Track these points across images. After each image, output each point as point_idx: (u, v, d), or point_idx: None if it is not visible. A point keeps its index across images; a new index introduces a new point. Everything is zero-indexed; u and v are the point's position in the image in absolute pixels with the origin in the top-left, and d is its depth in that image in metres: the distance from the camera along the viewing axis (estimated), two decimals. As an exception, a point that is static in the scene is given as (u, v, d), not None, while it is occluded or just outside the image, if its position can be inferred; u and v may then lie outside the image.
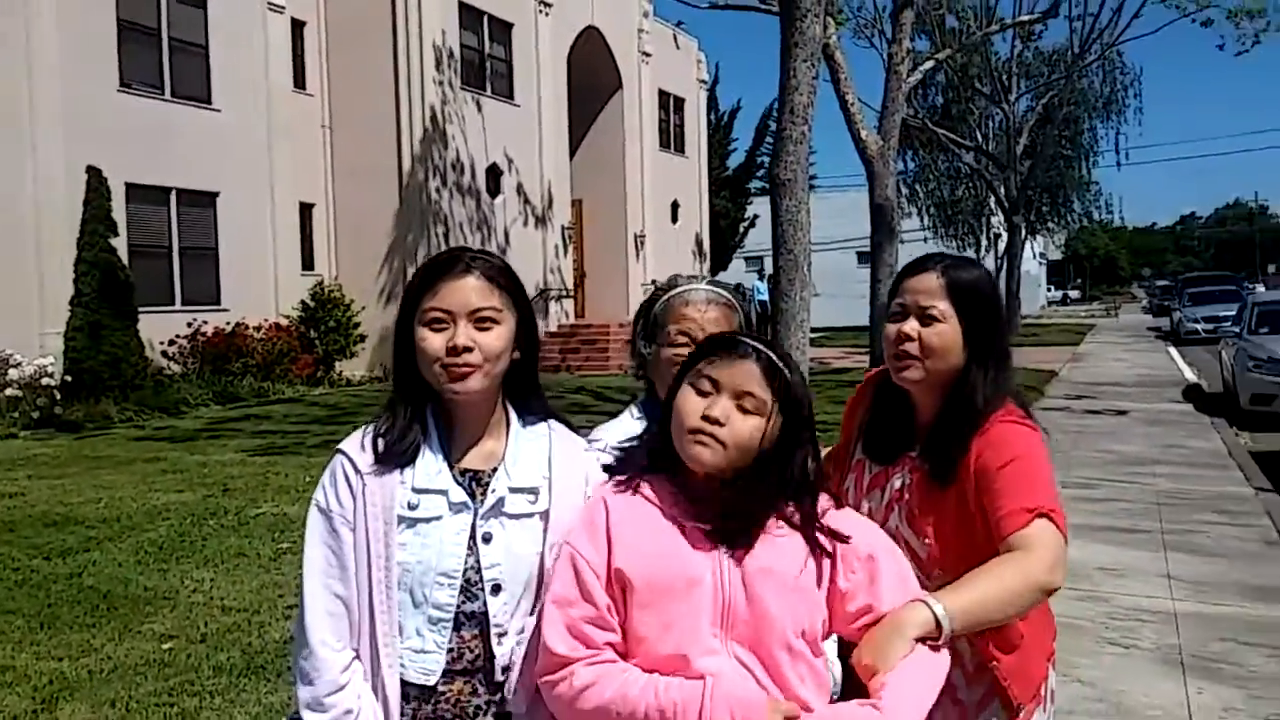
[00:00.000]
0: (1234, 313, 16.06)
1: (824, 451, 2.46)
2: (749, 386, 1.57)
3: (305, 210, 18.20)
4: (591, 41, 22.79)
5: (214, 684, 4.19)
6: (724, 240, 30.96)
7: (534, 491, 1.72)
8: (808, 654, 1.55)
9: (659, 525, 1.58)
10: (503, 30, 20.44)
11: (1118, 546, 6.32)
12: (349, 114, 18.33)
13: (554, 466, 1.74)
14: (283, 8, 17.44)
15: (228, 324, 15.97)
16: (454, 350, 1.62)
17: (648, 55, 24.87)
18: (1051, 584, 1.73)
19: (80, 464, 9.58)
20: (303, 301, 17.63)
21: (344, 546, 1.65)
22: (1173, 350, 23.38)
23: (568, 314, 22.01)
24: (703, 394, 1.58)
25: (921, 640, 1.57)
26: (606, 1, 23.27)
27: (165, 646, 4.65)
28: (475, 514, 1.68)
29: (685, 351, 1.84)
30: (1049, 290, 72.71)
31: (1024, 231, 32.48)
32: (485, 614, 1.67)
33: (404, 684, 1.65)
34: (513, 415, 1.76)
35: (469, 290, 1.65)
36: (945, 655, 1.60)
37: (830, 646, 1.75)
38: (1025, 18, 23.33)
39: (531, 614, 1.71)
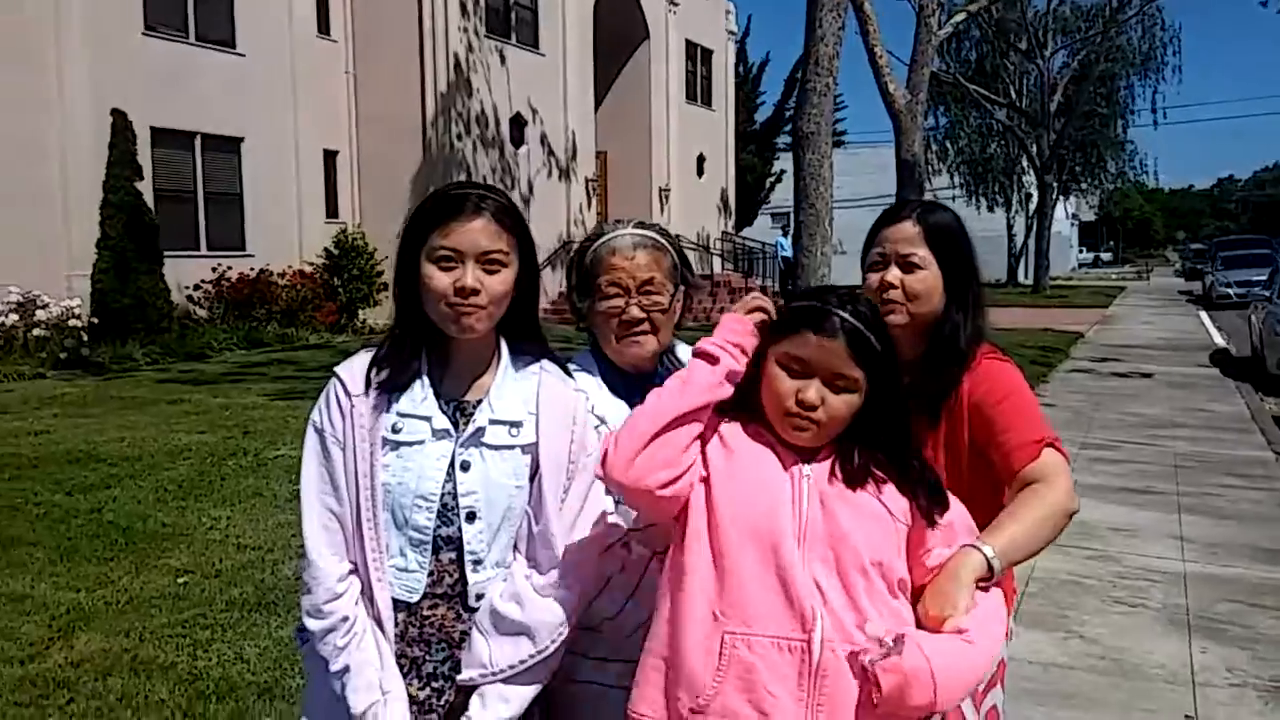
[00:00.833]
0: (1266, 276, 15.77)
1: None
2: (841, 368, 1.58)
3: (329, 157, 18.20)
4: (619, -10, 22.49)
5: (226, 617, 4.28)
6: (750, 195, 30.70)
7: (516, 425, 1.74)
8: (883, 588, 1.57)
9: (744, 430, 1.63)
10: (529, -23, 20.20)
11: (1132, 507, 6.29)
12: (373, 61, 18.22)
13: (540, 403, 1.76)
14: (308, -49, 17.31)
15: (252, 270, 16.07)
16: (462, 291, 1.65)
17: (675, 5, 24.50)
18: (1073, 508, 1.83)
19: (105, 404, 9.73)
20: (326, 249, 17.69)
21: (335, 465, 1.71)
22: (1203, 314, 23.07)
23: (591, 266, 21.97)
24: (795, 375, 1.59)
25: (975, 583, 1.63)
26: (635, -51, 22.91)
27: (180, 580, 4.74)
28: (456, 441, 1.71)
29: (619, 303, 1.86)
30: (1081, 252, 71.71)
31: (1056, 191, 31.99)
32: (460, 540, 1.71)
33: (392, 600, 1.70)
34: (505, 352, 1.79)
35: (478, 232, 1.67)
36: (999, 593, 1.67)
37: None
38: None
39: (509, 548, 1.74)
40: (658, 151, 24.24)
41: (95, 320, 12.89)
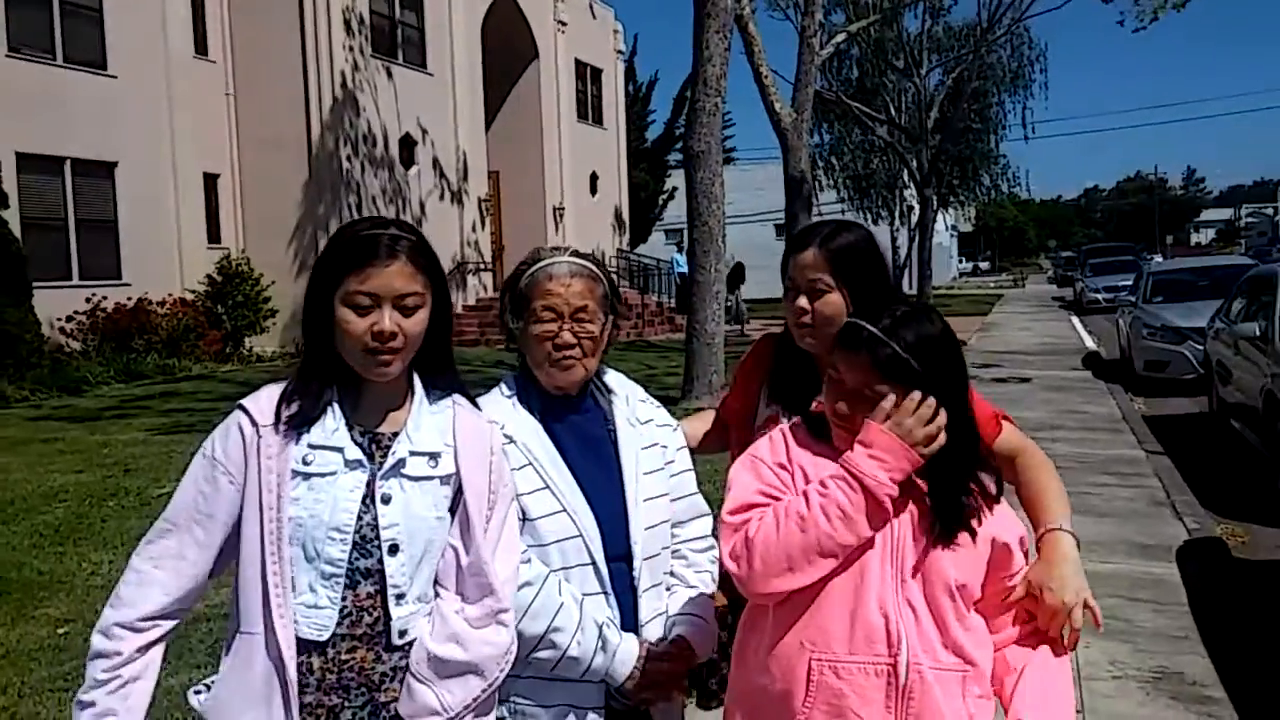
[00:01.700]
0: (1131, 282, 16.67)
1: (705, 410, 2.57)
2: (873, 384, 1.62)
3: (210, 181, 17.62)
4: (506, 9, 22.43)
5: (112, 668, 4.08)
6: (644, 212, 30.97)
7: (435, 456, 1.75)
8: (963, 608, 1.63)
9: (834, 461, 1.65)
10: (414, -4, 20.00)
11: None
12: (254, 81, 17.74)
13: (457, 435, 1.77)
14: (182, -31, 16.78)
15: (130, 299, 15.42)
16: (380, 336, 1.65)
17: (563, 24, 24.61)
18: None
19: (-29, 446, 9.19)
20: (209, 276, 17.10)
21: (220, 498, 1.67)
22: (1075, 319, 24.22)
23: (486, 287, 21.78)
24: (839, 394, 1.65)
25: None
26: (521, -31, 22.93)
27: (60, 631, 4.51)
28: (372, 474, 1.70)
29: (552, 327, 1.90)
30: (960, 262, 74.51)
31: (935, 204, 33.13)
32: (382, 572, 1.69)
33: (299, 641, 1.65)
34: (418, 385, 1.79)
35: (394, 275, 1.67)
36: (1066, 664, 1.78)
37: None
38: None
39: (431, 581, 1.74)
40: (550, 170, 24.25)
41: (-42, 357, 12.17)
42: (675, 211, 30.51)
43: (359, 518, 1.67)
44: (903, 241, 40.42)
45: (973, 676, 1.63)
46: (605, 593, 1.89)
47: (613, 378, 2.07)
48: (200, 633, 4.36)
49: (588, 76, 26.50)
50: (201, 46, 17.45)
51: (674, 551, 2.03)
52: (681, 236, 35.33)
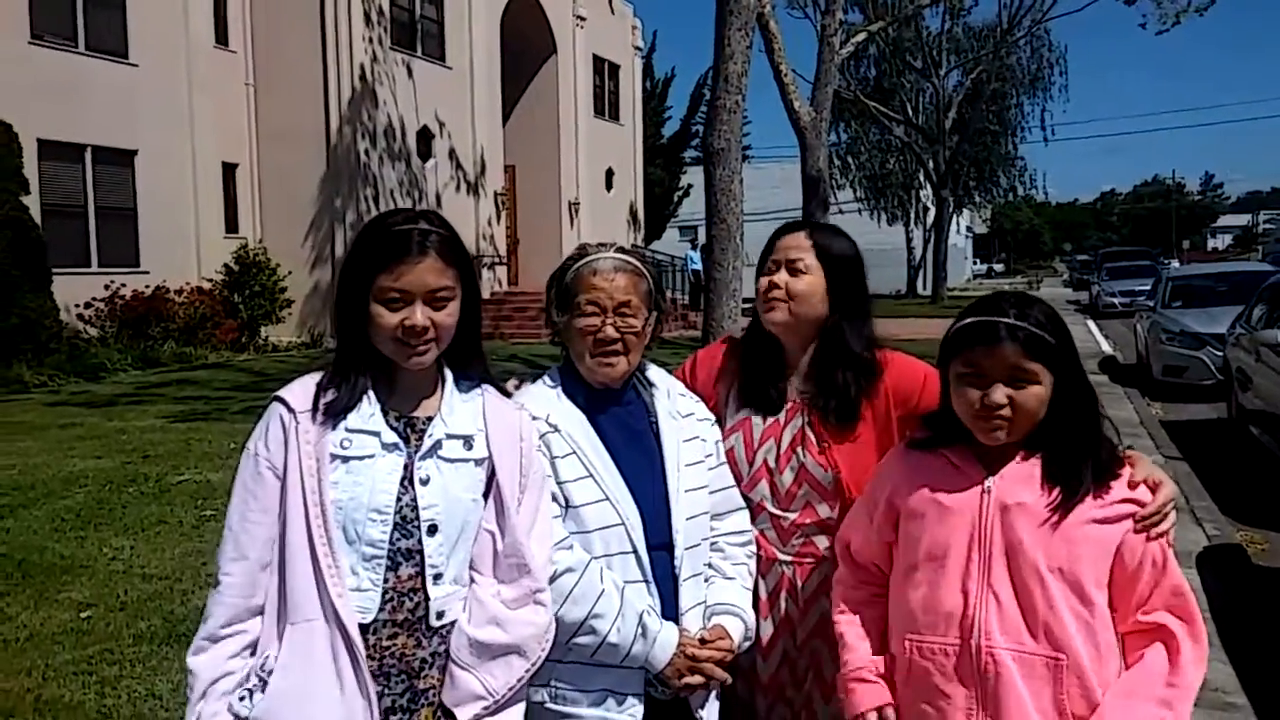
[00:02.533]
0: (1149, 287, 16.59)
1: None
2: (1018, 363, 1.67)
3: (228, 171, 17.68)
4: (525, 4, 22.42)
5: (134, 652, 4.12)
6: (659, 209, 30.94)
7: (469, 440, 1.78)
8: (1065, 592, 1.65)
9: (931, 461, 1.79)
10: (434, -11, 20.02)
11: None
12: (274, 72, 17.79)
13: (488, 419, 1.81)
14: (204, -41, 16.83)
15: (147, 287, 15.49)
16: (412, 331, 1.69)
17: (582, 19, 24.59)
18: None
19: (-9, 430, 9.25)
20: (226, 265, 17.16)
21: (266, 490, 1.69)
22: (1091, 323, 24.10)
23: (501, 281, 21.82)
24: (974, 384, 1.69)
25: None
26: (541, -37, 22.92)
27: (83, 615, 4.54)
28: (410, 456, 1.72)
29: (595, 321, 1.93)
30: (975, 263, 74.26)
31: (951, 205, 33.08)
32: (421, 552, 1.71)
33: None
34: (448, 374, 1.82)
35: (425, 271, 1.70)
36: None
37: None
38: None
39: (466, 564, 1.76)
40: (566, 165, 24.25)
41: (-23, 341, 12.24)
42: (690, 208, 30.49)
43: (398, 499, 1.70)
44: (918, 242, 40.33)
45: (1069, 666, 1.64)
46: (646, 580, 1.91)
47: (654, 372, 2.10)
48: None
49: (605, 72, 26.48)
50: (222, 36, 17.50)
51: (711, 544, 2.05)
52: (696, 233, 35.35)
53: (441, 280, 1.71)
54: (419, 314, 1.69)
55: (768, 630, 2.13)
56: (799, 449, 2.10)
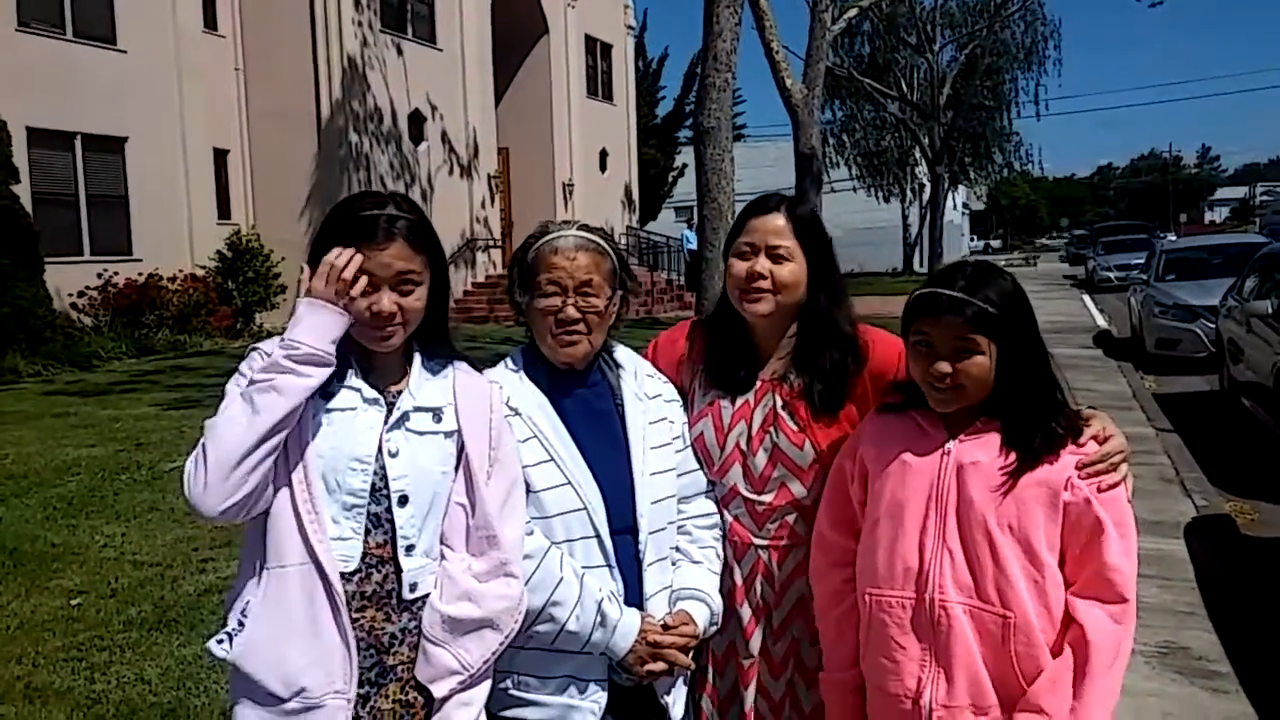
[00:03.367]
0: (1143, 261, 16.56)
1: None
2: (960, 334, 1.72)
3: (220, 156, 17.61)
4: (516, -16, 22.30)
5: (124, 638, 4.14)
6: (654, 189, 30.85)
7: (438, 412, 1.78)
8: (1019, 553, 1.70)
9: (899, 424, 1.85)
10: (423, -29, 19.88)
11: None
12: (263, 56, 17.68)
13: (458, 393, 1.81)
14: (190, -56, 16.69)
15: (140, 275, 15.44)
16: (379, 316, 1.70)
17: None
18: None
19: (-15, 420, 9.26)
20: (219, 251, 17.12)
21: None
22: (1086, 298, 24.09)
23: (495, 264, 21.76)
24: (925, 355, 1.75)
25: None
26: (531, -57, 22.75)
27: (74, 602, 4.56)
28: (383, 419, 1.73)
29: (556, 301, 1.90)
30: (972, 240, 74.05)
31: (947, 182, 32.98)
32: (392, 522, 1.71)
33: None
34: (417, 354, 1.83)
35: (393, 257, 1.70)
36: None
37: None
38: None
39: (437, 536, 1.76)
40: (560, 147, 24.15)
41: (-30, 331, 12.22)
42: (685, 188, 30.37)
43: (374, 455, 1.71)
44: (913, 219, 40.26)
45: (1018, 625, 1.68)
46: (609, 565, 1.89)
47: (622, 352, 2.07)
48: (212, 603, 4.41)
49: (598, 52, 26.33)
50: (211, 21, 17.39)
51: (679, 527, 2.03)
52: (691, 213, 35.26)
53: (410, 265, 1.72)
54: (385, 300, 1.69)
55: (746, 615, 2.09)
56: (771, 429, 2.06)
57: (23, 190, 13.26)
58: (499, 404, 1.85)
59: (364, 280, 1.68)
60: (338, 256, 1.67)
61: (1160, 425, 8.48)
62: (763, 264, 2.04)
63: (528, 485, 1.85)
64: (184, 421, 8.84)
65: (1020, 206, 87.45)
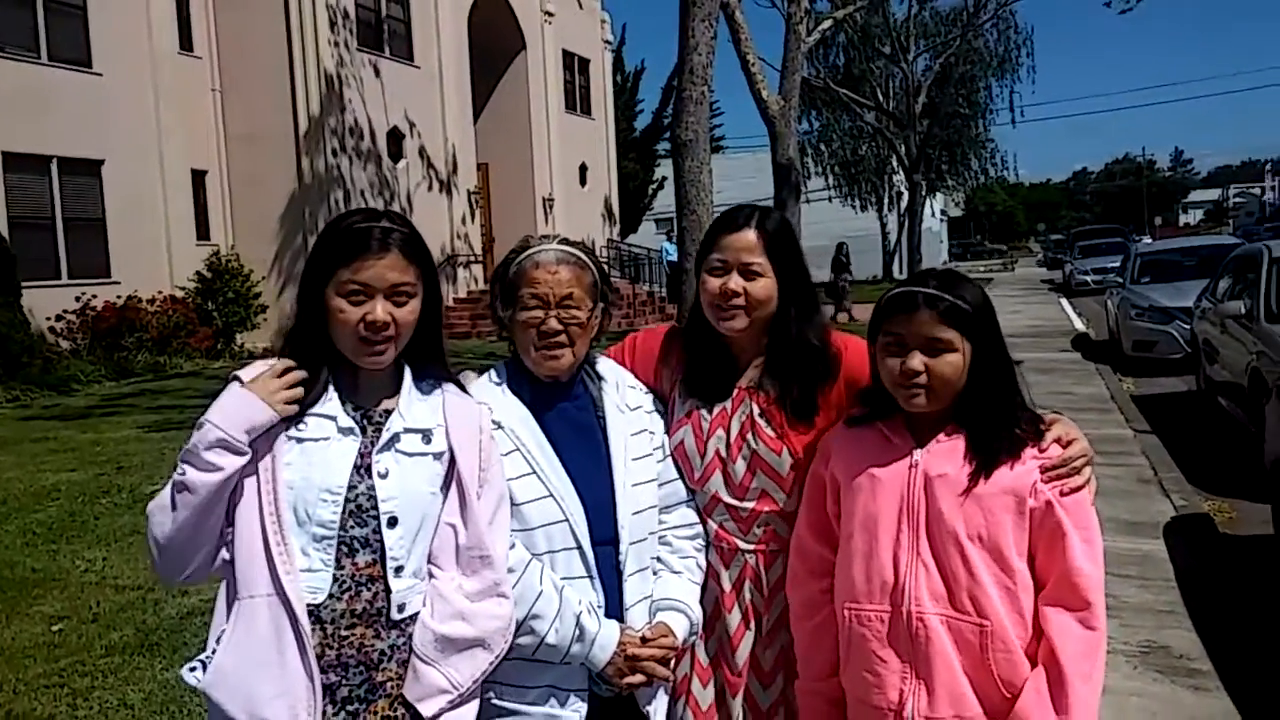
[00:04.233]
0: (1119, 264, 16.71)
1: None
2: (933, 332, 1.72)
3: (198, 178, 17.55)
4: (492, 0, 22.34)
5: (106, 663, 4.11)
6: (634, 202, 30.93)
7: (428, 434, 1.79)
8: (989, 561, 1.71)
9: (866, 438, 1.85)
10: (399, -11, 19.91)
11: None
12: (240, 77, 17.65)
13: (448, 414, 1.82)
14: (164, -35, 16.67)
15: (119, 297, 15.36)
16: (373, 326, 1.71)
17: (550, 15, 24.51)
18: None
19: (-38, 447, 9.17)
20: (199, 273, 17.05)
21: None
22: (1064, 301, 24.27)
23: (476, 280, 21.75)
24: (897, 354, 1.75)
25: None
26: (506, -40, 22.82)
27: (55, 628, 4.53)
28: (366, 445, 1.74)
29: (538, 314, 1.92)
30: (952, 246, 74.48)
31: (924, 189, 33.20)
32: (381, 543, 1.72)
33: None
34: (408, 374, 1.84)
35: (387, 268, 1.72)
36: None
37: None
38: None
39: (425, 557, 1.76)
40: (540, 162, 24.19)
41: (-53, 358, 12.12)
42: (665, 201, 30.44)
43: (352, 486, 1.71)
44: (892, 227, 40.49)
45: (994, 632, 1.69)
46: (590, 576, 1.91)
47: (604, 364, 2.09)
48: (194, 627, 4.39)
49: (575, 67, 26.41)
50: (186, 43, 17.35)
51: (660, 538, 2.04)
52: (671, 226, 35.35)
53: (403, 277, 1.74)
54: (379, 309, 1.71)
55: (735, 621, 2.09)
56: (749, 436, 2.06)
57: (-2, 215, 13.19)
58: (488, 425, 1.87)
59: (299, 390, 1.71)
60: (281, 373, 1.71)
61: (1138, 426, 8.55)
62: (736, 281, 2.05)
63: (511, 497, 1.87)
64: (165, 444, 8.78)
65: (997, 213, 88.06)
